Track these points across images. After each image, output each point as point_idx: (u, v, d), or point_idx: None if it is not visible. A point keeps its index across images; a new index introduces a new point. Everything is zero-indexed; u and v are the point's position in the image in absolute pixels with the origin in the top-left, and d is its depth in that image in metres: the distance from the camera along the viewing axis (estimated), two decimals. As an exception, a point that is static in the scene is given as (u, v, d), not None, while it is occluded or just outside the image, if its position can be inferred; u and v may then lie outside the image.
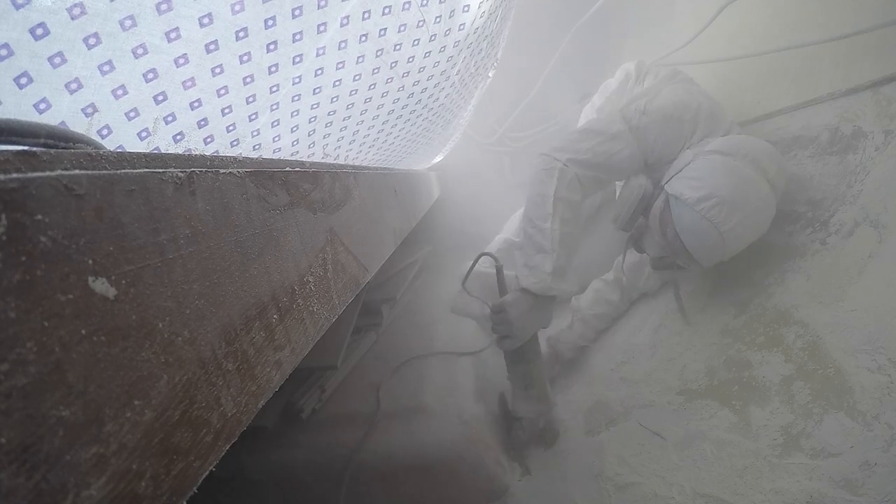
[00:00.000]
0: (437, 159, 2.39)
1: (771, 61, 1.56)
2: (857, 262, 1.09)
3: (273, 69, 0.75)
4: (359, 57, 0.88)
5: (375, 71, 0.94)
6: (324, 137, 0.98)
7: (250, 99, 0.76)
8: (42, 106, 0.56)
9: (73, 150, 0.28)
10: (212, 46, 0.66)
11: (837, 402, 0.97)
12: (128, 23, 0.57)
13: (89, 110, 0.60)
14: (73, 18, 0.54)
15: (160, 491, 0.27)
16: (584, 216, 1.55)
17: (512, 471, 1.40)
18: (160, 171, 0.31)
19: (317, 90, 0.85)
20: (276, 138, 0.86)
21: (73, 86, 0.57)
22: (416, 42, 0.97)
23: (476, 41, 1.21)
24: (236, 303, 0.36)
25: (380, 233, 0.91)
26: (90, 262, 0.24)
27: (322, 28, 0.77)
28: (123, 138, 0.64)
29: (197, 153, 0.58)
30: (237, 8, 0.65)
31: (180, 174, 0.32)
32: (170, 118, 0.68)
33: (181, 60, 0.65)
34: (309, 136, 0.93)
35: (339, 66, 0.86)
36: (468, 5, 1.03)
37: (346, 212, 0.69)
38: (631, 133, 1.45)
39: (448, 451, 1.29)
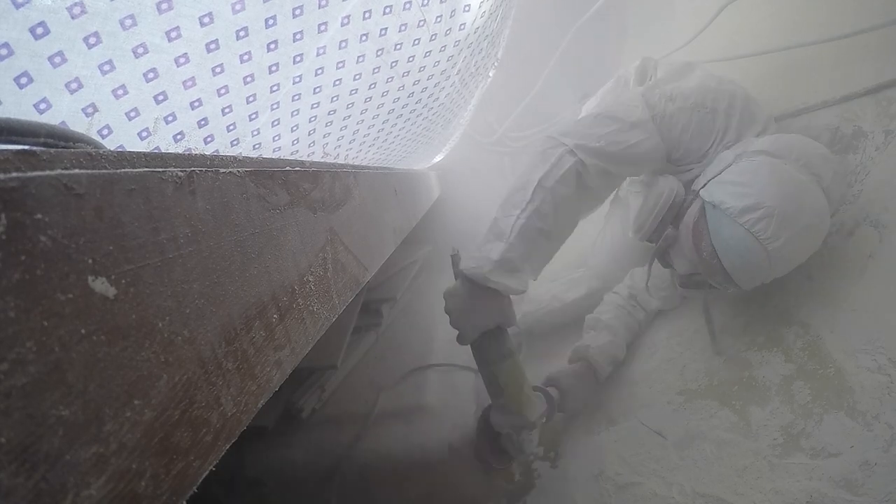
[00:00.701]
0: (438, 159, 2.39)
1: (771, 61, 1.56)
2: (857, 262, 1.09)
3: (273, 68, 0.75)
4: (359, 56, 0.88)
5: (376, 70, 0.94)
6: (324, 137, 0.98)
7: (251, 98, 0.76)
8: (42, 106, 0.56)
9: (72, 150, 0.28)
10: (212, 46, 0.66)
11: (837, 401, 0.97)
12: (128, 22, 0.57)
13: (90, 110, 0.59)
14: (73, 17, 0.54)
15: (160, 490, 0.27)
16: (580, 213, 1.28)
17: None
18: (160, 170, 0.31)
19: (317, 89, 0.85)
20: (277, 137, 0.86)
21: (74, 85, 0.57)
22: (416, 41, 0.97)
23: (476, 41, 1.21)
24: (236, 302, 0.36)
25: (380, 232, 0.91)
26: (90, 261, 0.24)
27: (323, 27, 0.77)
28: (124, 138, 0.64)
29: (197, 153, 0.58)
30: (238, 7, 0.65)
31: (180, 174, 0.32)
32: (170, 118, 0.68)
33: (182, 60, 0.65)
34: (309, 135, 0.93)
35: (340, 65, 0.86)
36: (469, 5, 1.03)
37: (347, 211, 0.69)
38: (654, 122, 1.24)
39: (448, 451, 1.29)
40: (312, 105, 0.87)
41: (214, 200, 0.36)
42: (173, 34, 0.62)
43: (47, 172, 0.23)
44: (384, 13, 0.85)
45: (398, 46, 0.94)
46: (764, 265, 1.08)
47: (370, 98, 1.01)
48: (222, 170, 0.38)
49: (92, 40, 0.56)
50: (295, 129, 0.88)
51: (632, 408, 1.39)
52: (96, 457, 0.23)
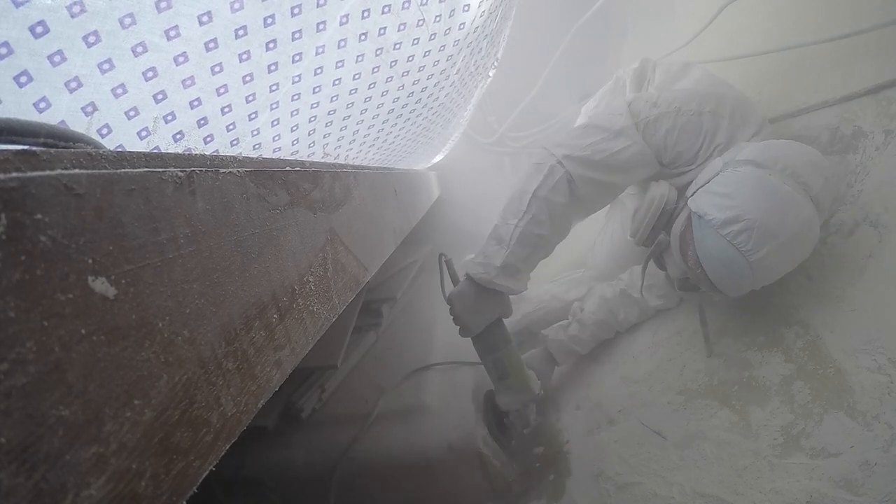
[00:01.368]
0: (438, 158, 2.39)
1: (771, 61, 1.56)
2: (857, 262, 1.09)
3: (273, 67, 0.75)
4: (358, 56, 0.88)
5: (375, 70, 0.94)
6: (324, 137, 0.98)
7: (250, 98, 0.76)
8: (42, 105, 0.56)
9: (72, 150, 0.28)
10: (211, 45, 0.66)
11: (837, 401, 0.97)
12: (127, 21, 0.57)
13: (89, 109, 0.59)
14: (72, 16, 0.54)
15: (160, 490, 0.27)
16: (575, 219, 1.36)
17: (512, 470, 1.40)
18: (160, 170, 0.31)
19: (316, 89, 0.85)
20: (276, 137, 0.86)
21: (73, 84, 0.57)
22: (415, 41, 0.97)
23: (476, 40, 1.21)
24: (236, 302, 0.36)
25: (380, 232, 0.91)
26: (90, 261, 0.24)
27: (321, 26, 0.77)
28: (123, 137, 0.64)
29: (197, 152, 0.58)
30: (236, 6, 0.65)
31: (180, 174, 0.32)
32: (169, 117, 0.68)
33: (181, 59, 0.65)
34: (309, 135, 0.93)
35: (339, 64, 0.86)
36: (468, 4, 1.03)
37: (346, 211, 0.69)
38: (637, 129, 1.28)
39: (448, 451, 1.29)
40: (312, 105, 0.87)
41: (214, 200, 0.36)
42: (172, 33, 0.62)
43: (47, 172, 0.23)
44: (383, 12, 0.85)
45: (397, 46, 0.94)
46: (747, 275, 1.09)
47: (370, 97, 1.01)
48: (222, 170, 0.38)
49: (91, 39, 0.56)
50: (295, 128, 0.88)
51: (632, 408, 1.39)
52: (96, 457, 0.23)
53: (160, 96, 0.65)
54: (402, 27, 0.90)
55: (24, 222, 0.21)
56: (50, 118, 0.57)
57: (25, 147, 0.29)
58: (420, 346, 1.72)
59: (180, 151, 0.68)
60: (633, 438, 1.29)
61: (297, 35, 0.74)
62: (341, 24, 0.80)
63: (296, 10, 0.72)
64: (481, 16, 1.13)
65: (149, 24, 0.59)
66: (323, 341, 0.55)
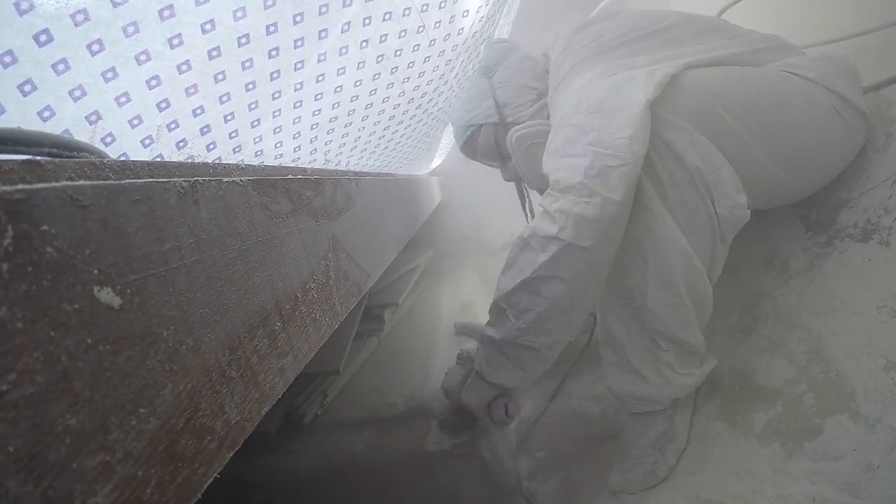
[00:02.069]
0: (437, 163, 2.39)
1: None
2: (858, 265, 1.09)
3: (275, 75, 0.76)
4: (360, 62, 0.88)
5: (376, 76, 0.95)
6: (325, 144, 0.98)
7: (252, 105, 0.76)
8: (46, 114, 0.56)
9: (77, 160, 0.28)
10: (214, 53, 0.67)
11: (840, 405, 0.97)
12: (131, 29, 0.58)
13: (93, 118, 0.60)
14: (76, 25, 0.54)
15: (165, 498, 0.27)
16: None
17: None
18: (164, 180, 0.31)
19: (318, 96, 0.86)
20: (279, 144, 0.86)
21: (77, 93, 0.58)
22: (416, 47, 0.97)
23: (474, 45, 1.21)
24: (240, 311, 0.37)
25: (382, 239, 0.91)
26: (95, 271, 0.24)
27: (323, 34, 0.77)
28: (127, 146, 0.64)
29: (200, 160, 0.59)
30: (239, 14, 0.66)
31: (184, 184, 0.32)
32: (173, 125, 0.68)
33: (184, 67, 0.65)
34: (311, 142, 0.93)
35: (341, 71, 0.86)
36: (467, 10, 1.03)
37: (348, 218, 0.69)
38: None
39: (450, 456, 1.29)
40: (314, 112, 0.88)
41: (218, 210, 0.36)
42: (175, 41, 0.62)
43: (52, 184, 0.23)
44: (384, 19, 0.85)
45: (398, 52, 0.94)
46: None
47: (371, 104, 1.01)
48: (225, 179, 0.38)
49: (95, 47, 0.57)
50: (297, 136, 0.88)
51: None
52: (103, 465, 0.23)
53: (164, 104, 0.66)
54: (402, 34, 0.91)
55: (31, 234, 0.21)
56: (54, 127, 0.57)
57: (30, 157, 0.30)
58: (422, 351, 1.72)
59: (183, 159, 0.68)
60: (635, 443, 1.29)
61: (299, 43, 0.75)
62: (343, 31, 0.80)
63: (298, 18, 0.72)
64: (480, 21, 1.13)
65: (152, 32, 0.60)
66: (325, 347, 0.55)
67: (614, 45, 1.16)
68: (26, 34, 0.51)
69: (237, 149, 0.79)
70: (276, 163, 0.89)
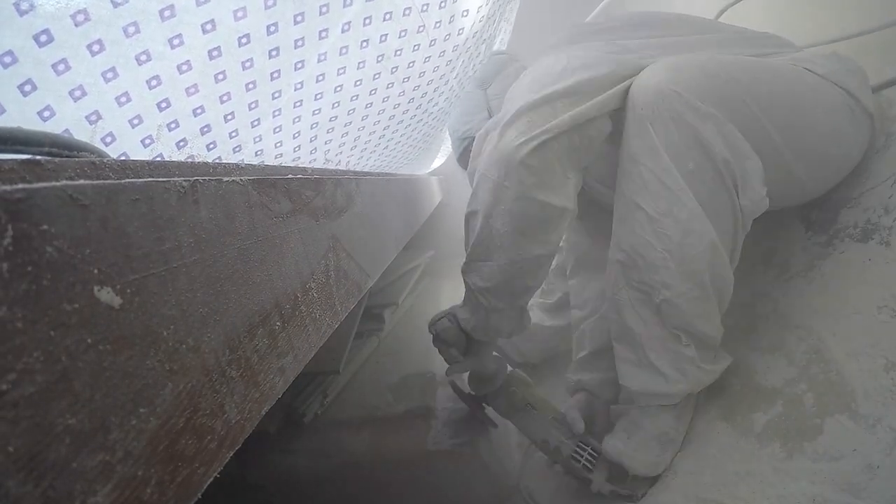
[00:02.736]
0: (438, 163, 2.39)
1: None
2: (859, 265, 1.09)
3: (275, 75, 0.76)
4: (360, 62, 0.88)
5: (377, 76, 0.95)
6: (325, 143, 0.98)
7: (253, 105, 0.76)
8: (46, 113, 0.56)
9: (77, 159, 0.28)
10: (215, 53, 0.67)
11: (840, 405, 0.97)
12: (131, 29, 0.58)
13: (93, 117, 0.60)
14: (76, 25, 0.54)
15: (165, 498, 0.27)
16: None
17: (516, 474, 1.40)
18: (164, 180, 0.31)
19: (318, 96, 0.86)
20: (279, 144, 0.86)
21: (77, 93, 0.58)
22: (416, 47, 0.97)
23: (475, 45, 1.21)
24: (240, 310, 0.37)
25: (382, 238, 0.91)
26: (95, 271, 0.24)
27: (324, 34, 0.77)
28: (127, 145, 0.64)
29: (200, 160, 0.59)
30: (240, 14, 0.66)
31: (184, 183, 0.32)
32: (173, 125, 0.68)
33: (184, 67, 0.65)
34: (311, 141, 0.93)
35: (341, 71, 0.86)
36: (467, 10, 1.03)
37: (348, 218, 0.69)
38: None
39: (451, 457, 1.29)
40: (314, 111, 0.88)
41: (218, 209, 0.36)
42: (176, 41, 0.62)
43: (52, 183, 0.23)
44: (384, 19, 0.85)
45: (398, 52, 0.94)
46: None
47: (371, 104, 1.01)
48: (225, 178, 0.38)
49: (95, 48, 0.57)
50: (297, 135, 0.88)
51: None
52: (103, 464, 0.23)
53: (164, 104, 0.66)
54: (403, 34, 0.91)
55: (31, 233, 0.21)
56: (54, 127, 0.57)
57: (30, 157, 0.30)
58: (422, 351, 1.72)
59: (183, 159, 0.68)
60: (635, 443, 1.29)
61: (299, 42, 0.75)
62: (343, 31, 0.80)
63: (298, 18, 0.72)
64: (480, 21, 1.13)
65: (152, 32, 0.60)
66: (325, 347, 0.55)
67: (603, 29, 1.14)
68: (26, 34, 0.51)
69: (237, 148, 0.79)
70: (276, 162, 0.89)
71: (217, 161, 0.56)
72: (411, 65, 1.01)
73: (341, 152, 1.07)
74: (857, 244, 1.12)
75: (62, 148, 0.37)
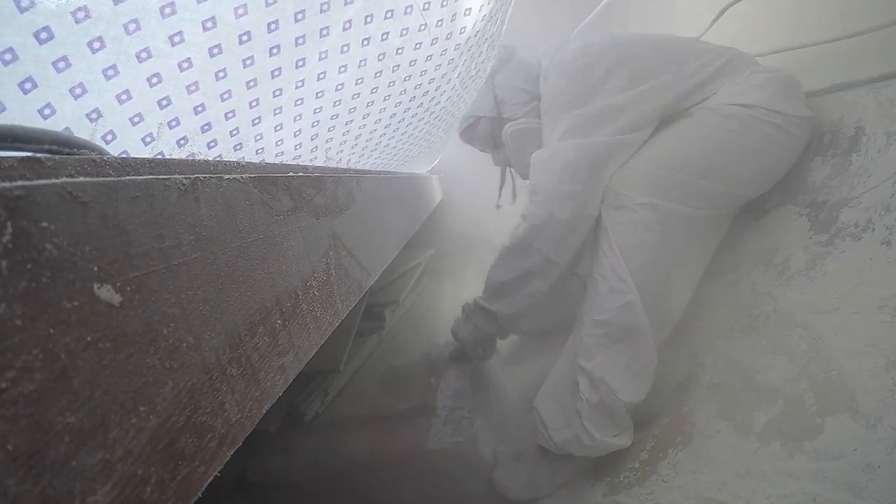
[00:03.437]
0: (438, 161, 2.39)
1: (772, 62, 1.56)
2: (859, 265, 1.09)
3: (276, 73, 0.76)
4: (361, 61, 0.88)
5: (378, 74, 0.94)
6: (326, 142, 0.98)
7: (253, 103, 0.76)
8: (46, 111, 0.56)
9: (77, 157, 0.28)
10: (215, 50, 0.67)
11: (841, 404, 0.97)
12: (132, 27, 0.58)
13: (94, 115, 0.60)
14: (77, 22, 0.54)
15: (165, 496, 0.27)
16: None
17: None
18: (164, 177, 0.31)
19: (319, 94, 0.86)
20: (279, 142, 0.86)
21: (78, 90, 0.57)
22: (418, 45, 0.97)
23: (477, 44, 1.21)
24: (240, 308, 0.37)
25: (383, 237, 0.91)
26: (95, 268, 0.24)
27: (325, 32, 0.77)
28: (128, 143, 0.64)
29: (201, 158, 0.58)
30: (240, 12, 0.66)
31: (184, 180, 0.32)
32: (174, 123, 0.68)
33: (185, 64, 0.65)
34: (312, 140, 0.93)
35: (342, 69, 0.86)
36: (469, 8, 1.03)
37: (349, 216, 0.69)
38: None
39: (453, 456, 1.29)
40: (315, 110, 0.87)
41: (218, 207, 0.36)
42: (176, 39, 0.62)
43: (52, 181, 0.23)
44: (386, 17, 0.85)
45: (400, 50, 0.94)
46: None
47: (372, 102, 1.01)
48: (226, 176, 0.38)
49: (96, 45, 0.56)
50: (298, 133, 0.88)
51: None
52: (102, 463, 0.23)
53: (164, 102, 0.65)
54: (404, 32, 0.91)
55: (30, 230, 0.21)
56: (54, 125, 0.57)
57: (30, 154, 0.30)
58: (423, 349, 1.72)
59: (184, 157, 0.68)
60: (636, 442, 1.29)
61: (300, 40, 0.75)
62: (344, 29, 0.80)
63: (299, 16, 0.72)
64: (482, 19, 1.13)
65: (153, 29, 0.59)
66: (326, 345, 0.55)
67: (571, 102, 1.42)
68: (27, 31, 0.51)
69: (238, 146, 0.79)
70: (276, 161, 0.89)
71: (218, 159, 0.56)
72: (413, 63, 1.01)
73: (342, 151, 1.07)
74: (858, 243, 1.12)
75: (62, 145, 0.36)
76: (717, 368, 1.28)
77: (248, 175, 0.42)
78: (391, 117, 1.13)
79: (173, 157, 0.67)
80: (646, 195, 1.27)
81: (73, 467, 0.22)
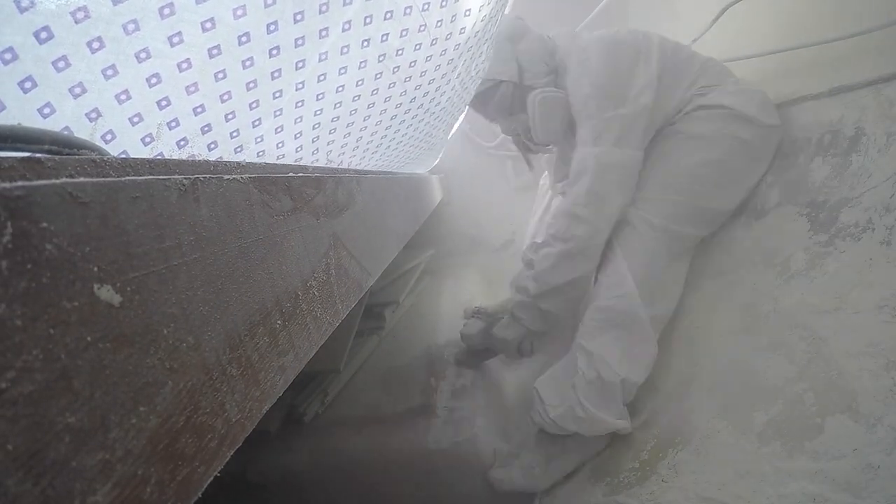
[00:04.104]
0: (438, 161, 2.39)
1: (773, 62, 1.56)
2: (859, 265, 1.09)
3: (276, 74, 0.75)
4: (361, 62, 0.88)
5: (378, 76, 0.94)
6: (327, 144, 0.98)
7: (253, 104, 0.76)
8: (46, 111, 0.56)
9: (77, 157, 0.28)
10: (215, 51, 0.66)
11: (841, 404, 0.97)
12: (131, 27, 0.58)
13: (93, 115, 0.60)
14: (76, 22, 0.54)
15: (165, 496, 0.27)
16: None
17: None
18: (164, 177, 0.31)
19: (320, 96, 0.85)
20: (280, 144, 0.86)
21: (77, 90, 0.57)
22: (418, 46, 0.97)
23: (477, 44, 1.21)
24: (240, 308, 0.37)
25: (383, 237, 0.91)
26: (95, 269, 0.24)
27: (324, 33, 0.77)
28: (127, 143, 0.64)
29: (201, 159, 0.58)
30: (239, 13, 0.66)
31: (184, 181, 0.32)
32: (173, 123, 0.68)
33: (184, 65, 0.65)
34: (312, 142, 0.93)
35: (342, 71, 0.86)
36: (469, 9, 1.03)
37: (349, 216, 0.69)
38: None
39: (453, 456, 1.29)
40: (315, 111, 0.87)
41: (218, 207, 0.36)
42: (176, 39, 0.62)
43: (52, 181, 0.23)
44: (385, 18, 0.85)
45: (400, 51, 0.94)
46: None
47: (373, 103, 1.01)
48: (226, 176, 0.38)
49: (96, 45, 0.56)
50: (298, 135, 0.88)
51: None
52: (102, 463, 0.23)
53: (164, 102, 0.65)
54: (404, 33, 0.91)
55: (30, 231, 0.21)
56: (54, 124, 0.57)
57: (30, 154, 0.30)
58: (423, 349, 1.72)
59: (184, 158, 0.68)
60: (636, 442, 1.29)
61: (300, 42, 0.75)
62: (344, 30, 0.80)
63: (298, 17, 0.72)
64: (482, 20, 1.13)
65: (152, 30, 0.59)
66: (326, 346, 0.55)
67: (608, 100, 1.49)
68: (27, 31, 0.51)
69: (238, 148, 0.79)
70: (277, 162, 0.89)
71: (218, 160, 0.56)
72: (413, 64, 1.00)
73: (343, 153, 1.07)
74: (857, 244, 1.12)
75: (62, 145, 0.36)
76: (717, 368, 1.28)
77: (248, 175, 0.42)
78: (391, 118, 1.13)
79: (174, 158, 0.67)
80: (652, 215, 1.44)
81: (73, 467, 0.22)
